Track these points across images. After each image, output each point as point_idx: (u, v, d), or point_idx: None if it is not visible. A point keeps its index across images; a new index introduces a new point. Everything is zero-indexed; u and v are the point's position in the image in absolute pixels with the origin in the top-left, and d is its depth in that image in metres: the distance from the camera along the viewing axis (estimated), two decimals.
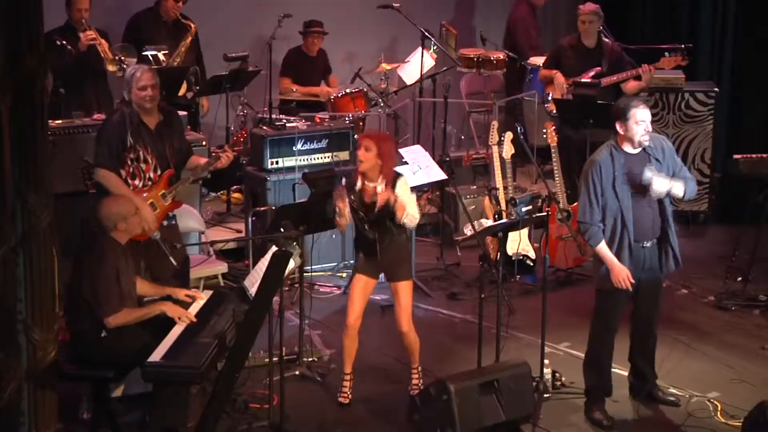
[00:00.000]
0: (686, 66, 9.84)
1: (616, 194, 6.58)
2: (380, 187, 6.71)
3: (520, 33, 11.66)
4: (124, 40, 9.66)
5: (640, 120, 6.54)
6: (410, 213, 6.70)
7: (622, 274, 6.59)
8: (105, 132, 7.23)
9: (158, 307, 6.45)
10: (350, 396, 7.05)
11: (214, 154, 7.50)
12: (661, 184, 6.55)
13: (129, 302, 6.40)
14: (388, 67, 10.75)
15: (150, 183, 7.20)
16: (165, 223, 7.27)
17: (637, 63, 9.78)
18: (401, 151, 8.79)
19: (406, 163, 8.52)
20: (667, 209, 6.74)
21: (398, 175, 6.85)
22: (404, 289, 6.91)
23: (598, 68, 9.75)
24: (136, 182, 7.16)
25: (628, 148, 6.63)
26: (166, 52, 9.72)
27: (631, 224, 6.60)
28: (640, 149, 6.63)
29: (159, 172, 7.22)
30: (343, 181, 6.94)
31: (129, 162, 7.11)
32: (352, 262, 9.32)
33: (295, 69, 10.63)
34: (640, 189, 6.59)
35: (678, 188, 6.63)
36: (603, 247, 6.63)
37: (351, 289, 7.01)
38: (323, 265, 9.27)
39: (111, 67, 9.21)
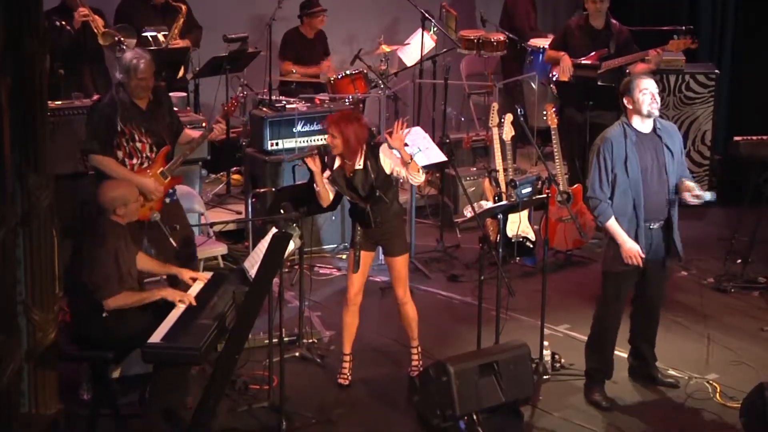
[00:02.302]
0: (692, 48, 9.83)
1: (627, 172, 6.55)
2: (359, 164, 6.76)
3: (519, 14, 11.63)
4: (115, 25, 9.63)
5: (644, 88, 6.52)
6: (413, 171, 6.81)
7: (633, 250, 6.56)
8: (94, 117, 7.23)
9: (158, 293, 6.44)
10: (350, 377, 7.07)
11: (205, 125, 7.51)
12: (695, 197, 6.61)
13: (129, 282, 6.39)
14: (388, 49, 10.73)
15: (147, 161, 7.20)
16: (167, 200, 7.28)
17: (639, 45, 9.75)
18: None
19: (406, 144, 8.50)
20: (672, 190, 6.71)
21: (375, 146, 6.86)
22: (399, 263, 6.94)
23: (605, 50, 9.71)
24: (134, 161, 7.16)
25: (638, 123, 6.60)
26: (166, 33, 9.69)
27: (642, 203, 6.58)
28: (651, 130, 6.62)
29: (156, 150, 7.22)
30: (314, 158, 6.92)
31: (124, 143, 7.11)
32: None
33: (294, 51, 10.60)
34: (655, 161, 6.60)
35: None
36: (613, 223, 6.60)
37: (350, 264, 7.01)
38: (323, 247, 9.28)
39: (104, 41, 9.16)
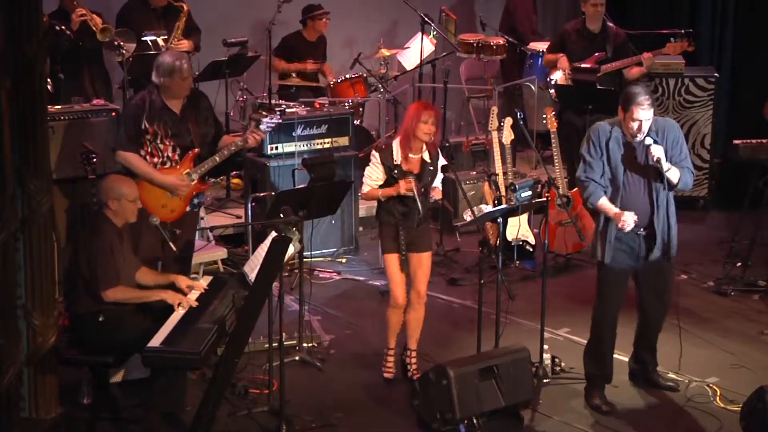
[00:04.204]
0: (689, 51, 9.83)
1: (609, 157, 6.55)
2: (425, 157, 6.96)
3: (521, 18, 11.64)
4: None
5: (636, 118, 6.51)
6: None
7: (624, 215, 6.51)
8: (124, 115, 7.42)
9: (158, 294, 6.45)
10: (394, 370, 7.11)
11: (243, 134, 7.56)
12: (658, 149, 6.52)
13: (125, 282, 6.40)
14: (388, 53, 10.74)
15: (169, 162, 7.23)
16: (188, 209, 7.31)
17: (638, 48, 9.77)
18: None
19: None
20: (661, 196, 6.67)
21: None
22: (429, 258, 7.07)
23: (602, 53, 9.72)
24: (155, 159, 7.23)
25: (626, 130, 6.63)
26: (165, 37, 9.69)
27: (619, 195, 6.57)
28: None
29: (179, 152, 7.24)
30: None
31: (147, 142, 7.17)
32: (351, 247, 9.38)
33: (290, 52, 10.56)
34: (640, 169, 6.58)
35: (674, 173, 6.56)
36: (603, 202, 6.60)
37: (389, 268, 6.99)
38: (323, 251, 9.28)
39: (102, 37, 9.13)
